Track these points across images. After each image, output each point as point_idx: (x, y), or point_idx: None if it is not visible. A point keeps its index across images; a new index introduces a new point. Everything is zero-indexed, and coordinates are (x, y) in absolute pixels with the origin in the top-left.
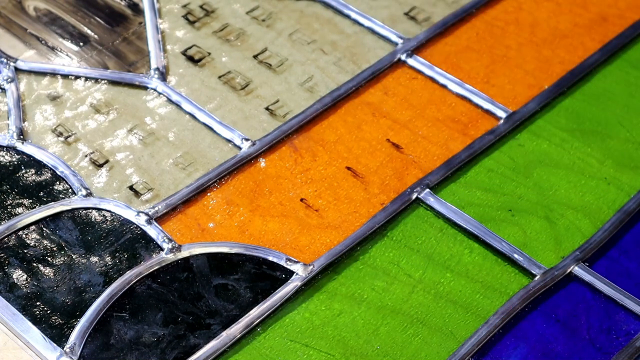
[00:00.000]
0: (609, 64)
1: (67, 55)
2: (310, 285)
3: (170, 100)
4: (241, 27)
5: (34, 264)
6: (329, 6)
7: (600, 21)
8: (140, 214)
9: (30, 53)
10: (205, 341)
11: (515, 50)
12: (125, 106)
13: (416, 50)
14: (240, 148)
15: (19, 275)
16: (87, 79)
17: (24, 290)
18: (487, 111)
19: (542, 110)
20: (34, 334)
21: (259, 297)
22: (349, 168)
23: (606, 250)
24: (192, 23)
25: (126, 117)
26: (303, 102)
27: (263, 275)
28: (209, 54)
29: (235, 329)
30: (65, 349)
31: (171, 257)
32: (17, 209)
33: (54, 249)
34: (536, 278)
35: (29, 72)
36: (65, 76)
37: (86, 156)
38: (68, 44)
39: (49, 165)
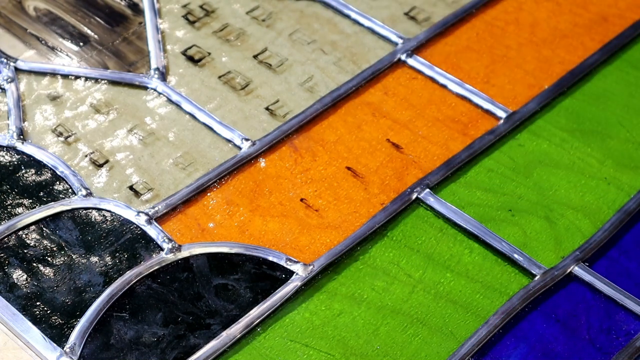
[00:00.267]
0: (609, 64)
1: (67, 55)
2: (310, 285)
3: (170, 100)
4: (241, 27)
5: (34, 264)
6: (329, 6)
7: (600, 21)
8: (140, 214)
9: (30, 53)
10: (205, 341)
11: (515, 50)
12: (125, 106)
13: (416, 50)
14: (240, 148)
15: (19, 275)
16: (87, 79)
17: (24, 290)
18: (487, 111)
19: (542, 110)
20: (34, 334)
21: (259, 297)
22: (349, 168)
23: (606, 250)
24: (192, 23)
25: (126, 117)
26: (303, 102)
27: (263, 275)
28: (209, 54)
29: (235, 329)
30: (65, 349)
31: (171, 257)
32: (17, 209)
33: (54, 249)
34: (536, 278)
35: (29, 72)
36: (65, 76)
37: (86, 156)
38: (68, 44)
39: (49, 165)
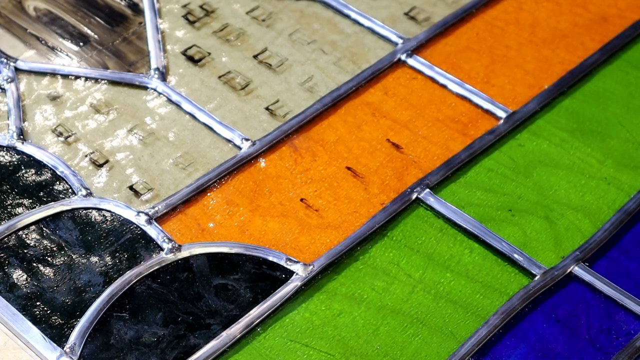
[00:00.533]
0: (609, 64)
1: (67, 55)
2: (310, 285)
3: (170, 100)
4: (241, 27)
5: (34, 264)
6: (329, 6)
7: (600, 21)
8: (140, 214)
9: (30, 53)
10: (205, 341)
11: (515, 50)
12: (125, 106)
13: (416, 50)
14: (240, 148)
15: (19, 275)
16: (87, 79)
17: (24, 290)
18: (487, 111)
19: (542, 110)
20: (34, 334)
21: (259, 297)
22: (349, 168)
23: (606, 250)
24: (192, 23)
25: (126, 117)
26: (303, 102)
27: (263, 275)
28: (209, 54)
29: (235, 329)
30: (65, 349)
31: (171, 257)
32: (17, 209)
33: (54, 249)
34: (536, 278)
35: (29, 72)
36: (65, 76)
37: (86, 156)
38: (68, 44)
39: (49, 165)
